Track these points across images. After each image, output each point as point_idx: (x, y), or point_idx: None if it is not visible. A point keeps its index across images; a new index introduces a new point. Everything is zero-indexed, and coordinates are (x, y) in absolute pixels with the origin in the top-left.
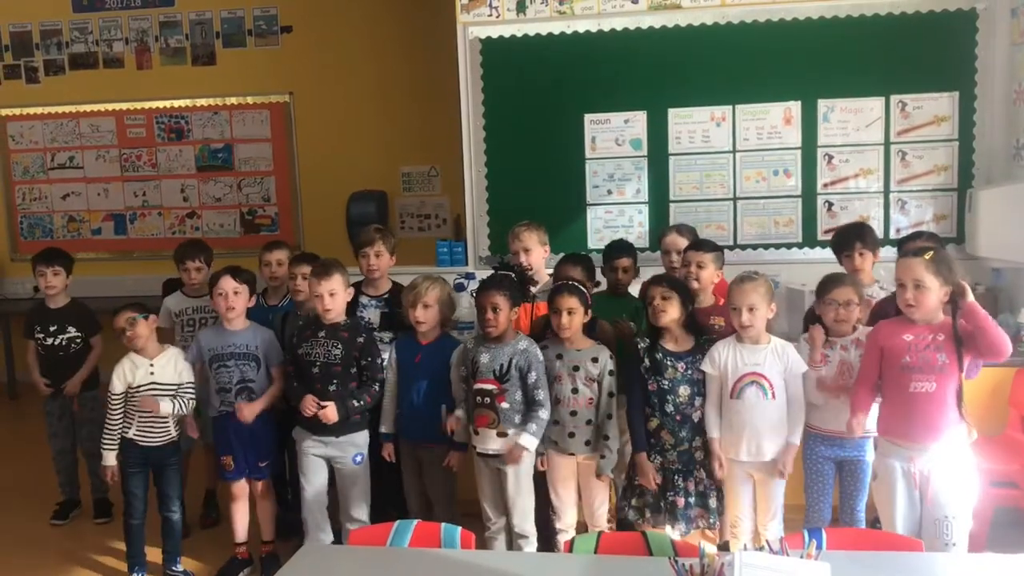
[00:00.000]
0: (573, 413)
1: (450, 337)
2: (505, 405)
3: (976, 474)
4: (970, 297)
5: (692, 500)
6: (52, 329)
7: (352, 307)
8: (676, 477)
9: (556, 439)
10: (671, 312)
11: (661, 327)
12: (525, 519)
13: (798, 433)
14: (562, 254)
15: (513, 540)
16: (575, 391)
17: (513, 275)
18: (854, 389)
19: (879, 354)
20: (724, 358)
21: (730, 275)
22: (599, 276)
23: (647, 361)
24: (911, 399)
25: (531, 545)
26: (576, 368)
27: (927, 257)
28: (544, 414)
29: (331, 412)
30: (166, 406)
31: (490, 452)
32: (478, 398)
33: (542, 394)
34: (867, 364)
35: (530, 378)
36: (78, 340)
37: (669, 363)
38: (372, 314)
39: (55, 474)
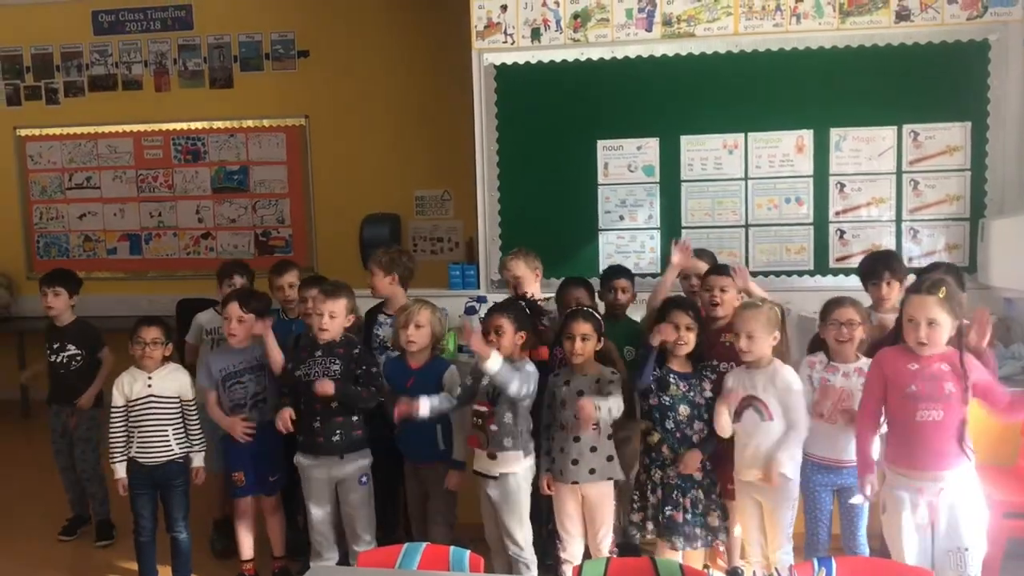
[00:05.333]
0: (576, 440)
1: (440, 359)
2: (494, 427)
3: (985, 501)
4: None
5: (690, 517)
6: (55, 347)
7: (369, 324)
8: (675, 493)
9: (561, 468)
10: (691, 344)
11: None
12: (522, 547)
13: (788, 452)
14: (563, 278)
15: (512, 567)
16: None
17: (524, 304)
18: (857, 432)
19: (883, 383)
20: (731, 383)
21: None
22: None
23: (657, 374)
24: (918, 428)
25: (532, 573)
26: (581, 393)
27: (941, 295)
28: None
29: (327, 385)
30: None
31: (483, 473)
32: (474, 419)
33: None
34: (868, 395)
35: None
36: (78, 358)
37: (672, 380)
38: (387, 332)
39: (64, 491)
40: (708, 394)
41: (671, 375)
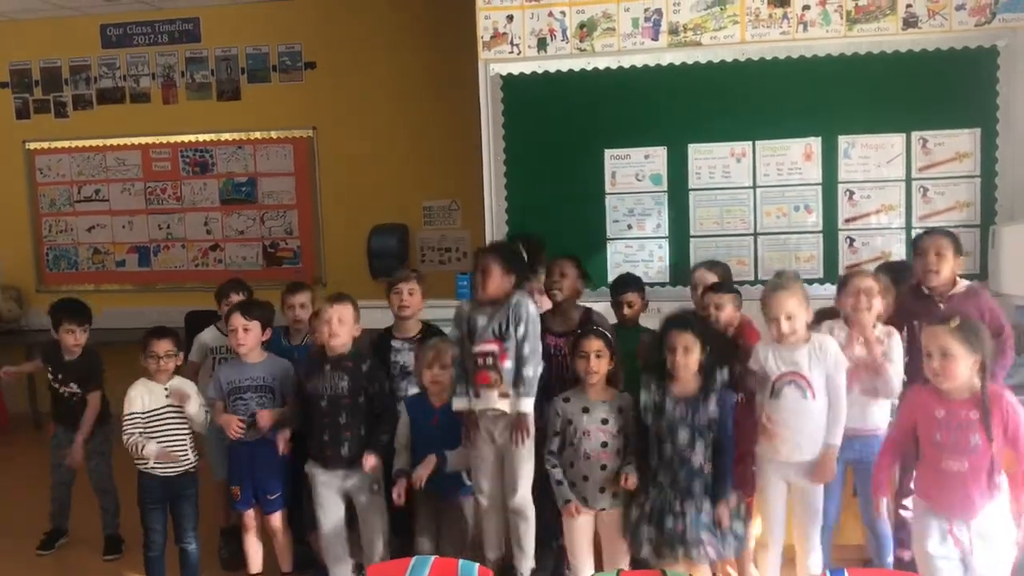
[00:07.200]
0: (603, 467)
1: None
2: (507, 364)
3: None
4: None
5: (692, 519)
6: (59, 377)
7: (384, 350)
8: (675, 502)
9: (585, 495)
10: (692, 365)
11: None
12: (525, 497)
13: (837, 434)
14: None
15: (510, 520)
16: (604, 445)
17: (522, 246)
18: (877, 460)
19: (913, 423)
20: (764, 357)
21: (752, 312)
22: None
23: (655, 399)
24: (943, 475)
25: (530, 525)
26: (605, 421)
27: (953, 325)
28: (529, 371)
29: (373, 460)
30: (192, 407)
31: (491, 410)
32: (479, 360)
33: (528, 348)
34: (898, 430)
35: (519, 331)
36: (76, 395)
37: (669, 406)
38: (406, 357)
39: (49, 502)
40: (712, 414)
41: (668, 399)
